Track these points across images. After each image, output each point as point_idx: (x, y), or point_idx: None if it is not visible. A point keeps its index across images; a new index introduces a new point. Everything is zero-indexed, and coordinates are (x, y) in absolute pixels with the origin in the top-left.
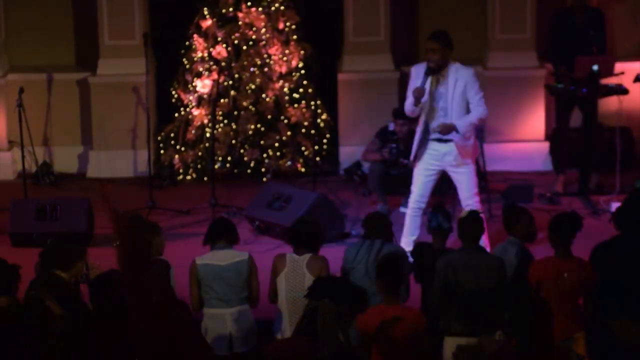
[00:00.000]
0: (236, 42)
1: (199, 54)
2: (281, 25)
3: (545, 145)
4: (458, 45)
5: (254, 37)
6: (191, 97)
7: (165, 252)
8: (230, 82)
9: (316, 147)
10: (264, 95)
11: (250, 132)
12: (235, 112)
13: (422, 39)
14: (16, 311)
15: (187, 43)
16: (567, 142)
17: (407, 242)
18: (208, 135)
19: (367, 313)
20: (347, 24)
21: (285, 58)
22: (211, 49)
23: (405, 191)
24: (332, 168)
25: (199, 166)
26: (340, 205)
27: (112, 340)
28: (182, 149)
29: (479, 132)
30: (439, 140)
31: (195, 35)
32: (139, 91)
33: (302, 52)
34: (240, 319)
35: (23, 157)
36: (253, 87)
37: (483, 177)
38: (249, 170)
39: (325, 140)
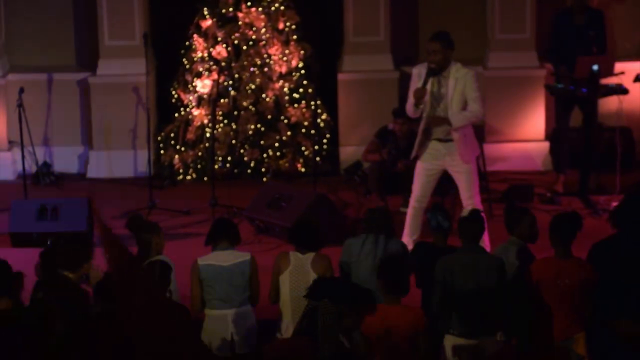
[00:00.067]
0: (236, 42)
1: (199, 54)
2: (281, 25)
3: (545, 145)
4: (458, 46)
5: (254, 37)
6: (191, 97)
7: (165, 252)
8: (231, 82)
9: (316, 147)
10: (264, 95)
11: (250, 132)
12: (235, 112)
13: (422, 39)
14: (17, 312)
15: (187, 43)
16: (567, 142)
17: (407, 242)
18: (208, 135)
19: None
20: (347, 24)
21: (285, 58)
22: (211, 49)
23: (405, 191)
24: (332, 168)
25: (199, 166)
26: (340, 205)
27: (112, 340)
28: (182, 149)
29: (479, 132)
30: (440, 140)
31: (195, 35)
32: (139, 91)
33: (302, 52)
34: (242, 320)
35: (23, 157)
36: (253, 87)
37: (483, 177)
38: (249, 170)
39: (325, 140)
